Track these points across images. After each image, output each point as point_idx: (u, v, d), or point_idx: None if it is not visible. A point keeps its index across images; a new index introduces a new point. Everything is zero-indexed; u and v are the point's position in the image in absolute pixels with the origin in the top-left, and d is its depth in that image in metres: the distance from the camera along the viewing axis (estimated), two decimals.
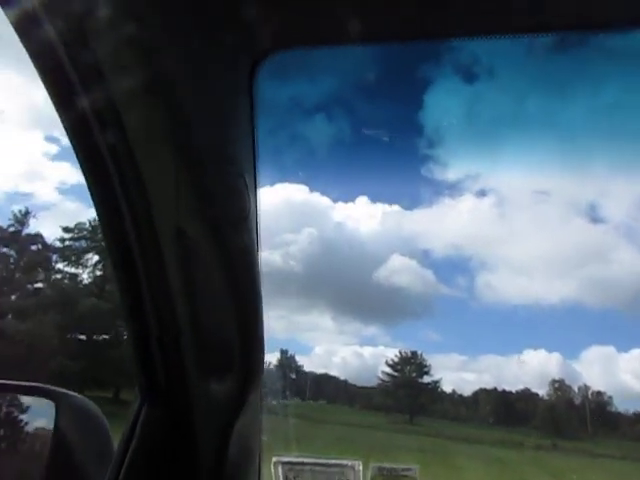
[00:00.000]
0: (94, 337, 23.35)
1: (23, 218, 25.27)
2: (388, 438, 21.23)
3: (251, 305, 1.01)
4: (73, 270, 24.69)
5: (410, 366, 30.86)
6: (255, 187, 1.04)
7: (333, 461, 1.23)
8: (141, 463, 0.93)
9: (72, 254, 24.56)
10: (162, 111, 0.83)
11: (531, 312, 33.29)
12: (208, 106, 0.90)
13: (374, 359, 36.40)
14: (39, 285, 24.43)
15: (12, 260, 24.69)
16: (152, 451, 0.94)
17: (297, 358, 44.80)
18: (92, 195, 0.86)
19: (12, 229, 24.97)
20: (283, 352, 44.65)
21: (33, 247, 25.26)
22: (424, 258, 32.45)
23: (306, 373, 46.16)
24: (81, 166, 0.84)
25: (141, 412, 0.96)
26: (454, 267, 37.38)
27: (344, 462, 1.20)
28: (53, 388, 1.25)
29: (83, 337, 23.12)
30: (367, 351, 39.01)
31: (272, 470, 1.20)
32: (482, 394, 31.06)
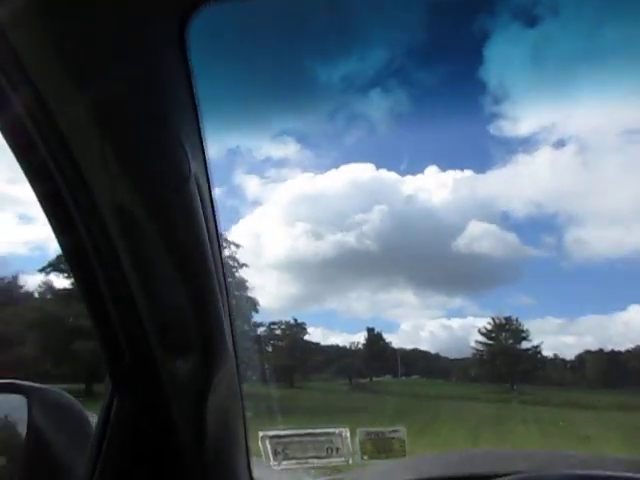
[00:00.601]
0: None
1: None
2: (493, 409, 19.94)
3: (203, 275, 0.95)
4: None
5: (505, 333, 29.38)
6: (202, 149, 0.97)
7: (319, 430, 1.23)
8: (118, 450, 0.94)
9: None
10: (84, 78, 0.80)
11: (630, 265, 30.47)
12: (135, 65, 0.84)
13: (464, 330, 35.54)
14: None
15: None
16: (128, 437, 0.95)
17: (385, 336, 45.07)
18: (28, 179, 0.85)
19: None
20: (370, 330, 45.07)
21: None
22: (504, 221, 30.81)
23: (395, 350, 46.52)
24: (8, 144, 0.82)
25: (113, 399, 0.98)
26: (539, 226, 35.13)
27: (331, 430, 1.21)
28: (23, 383, 1.22)
29: None
30: (455, 323, 38.28)
31: (260, 446, 1.21)
32: (587, 357, 29.05)
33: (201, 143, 0.98)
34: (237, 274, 26.48)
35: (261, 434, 1.22)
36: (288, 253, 39.20)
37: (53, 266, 25.77)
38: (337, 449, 1.23)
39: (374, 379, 44.93)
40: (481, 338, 29.36)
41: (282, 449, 1.22)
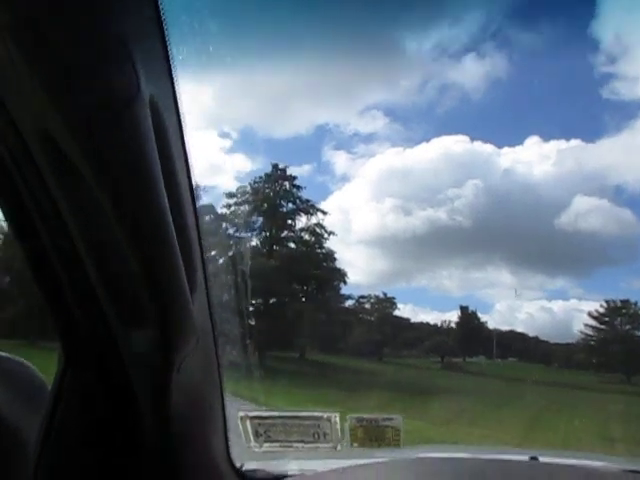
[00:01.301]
0: (267, 299, 23.73)
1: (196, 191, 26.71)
2: (608, 401, 17.82)
3: (159, 236, 0.81)
4: (242, 234, 25.54)
5: (621, 317, 26.53)
6: (170, 75, 0.87)
7: (306, 413, 1.17)
8: (71, 420, 0.91)
9: (238, 218, 25.11)
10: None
11: None
12: None
13: (566, 314, 33.04)
14: (213, 253, 25.38)
15: None
16: (81, 407, 0.91)
17: (479, 316, 43.46)
18: None
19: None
20: (463, 309, 43.56)
21: (207, 217, 26.56)
22: (617, 195, 27.49)
23: (490, 330, 44.84)
24: None
25: (66, 375, 0.95)
26: None
27: (319, 414, 1.16)
28: None
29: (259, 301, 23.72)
30: (557, 305, 35.88)
31: (240, 425, 1.18)
32: None
33: (169, 69, 0.86)
34: (325, 247, 26.25)
35: (241, 414, 1.16)
36: (377, 229, 38.90)
37: None
38: (325, 434, 1.15)
39: (467, 359, 43.77)
40: (591, 322, 26.70)
41: (264, 431, 1.16)
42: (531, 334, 42.14)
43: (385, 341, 38.44)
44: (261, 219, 24.87)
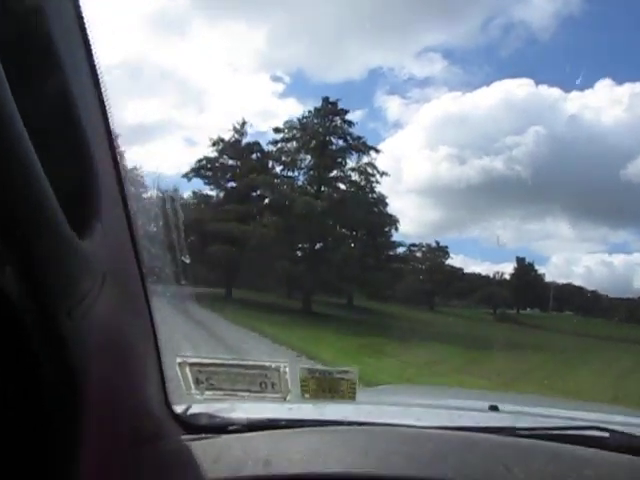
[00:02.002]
0: (312, 240, 22.88)
1: (241, 128, 25.87)
2: None
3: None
4: (289, 173, 24.49)
5: None
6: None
7: (252, 362, 1.10)
8: None
9: (285, 155, 23.90)
10: None
11: None
12: None
13: (628, 268, 31.10)
14: (259, 192, 24.80)
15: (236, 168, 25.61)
16: None
17: (534, 267, 41.61)
18: None
19: (233, 139, 25.82)
20: (518, 260, 41.62)
21: (253, 155, 25.83)
22: None
23: (545, 283, 43.01)
24: None
25: None
26: None
27: (266, 363, 1.08)
28: None
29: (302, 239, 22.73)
30: (618, 259, 33.93)
31: (178, 372, 1.06)
32: None
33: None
34: (376, 192, 24.73)
35: (179, 360, 1.05)
36: (430, 178, 37.34)
37: (195, 171, 25.83)
38: (273, 384, 1.07)
39: (521, 311, 42.21)
40: None
41: (205, 378, 1.07)
42: (590, 288, 40.39)
43: (436, 290, 37.52)
44: (309, 157, 23.44)
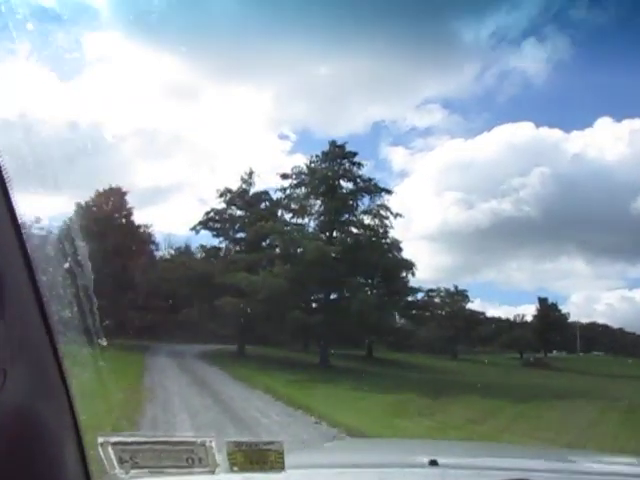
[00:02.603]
0: (326, 288, 21.65)
1: (249, 178, 25.40)
2: None
3: None
4: (299, 220, 23.52)
5: None
6: None
7: (177, 439, 1.06)
8: None
9: (294, 202, 23.09)
10: None
11: None
12: None
13: None
14: (268, 240, 23.78)
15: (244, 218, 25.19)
16: None
17: (557, 308, 40.07)
18: None
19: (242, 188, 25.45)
20: (539, 301, 39.98)
21: (261, 205, 25.23)
22: None
23: (569, 324, 41.24)
24: None
25: None
26: None
27: (192, 439, 1.05)
28: None
29: (316, 288, 21.55)
30: (639, 294, 32.56)
31: (101, 453, 1.02)
32: None
33: None
34: (389, 237, 23.82)
35: (100, 440, 1.02)
36: (439, 224, 37.40)
37: (203, 224, 25.11)
38: (200, 459, 1.05)
39: (548, 354, 40.19)
40: None
41: (129, 457, 1.03)
42: (615, 326, 38.71)
43: (459, 337, 35.84)
44: (318, 202, 22.59)
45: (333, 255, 19.71)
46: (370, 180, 22.09)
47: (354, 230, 22.12)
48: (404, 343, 30.58)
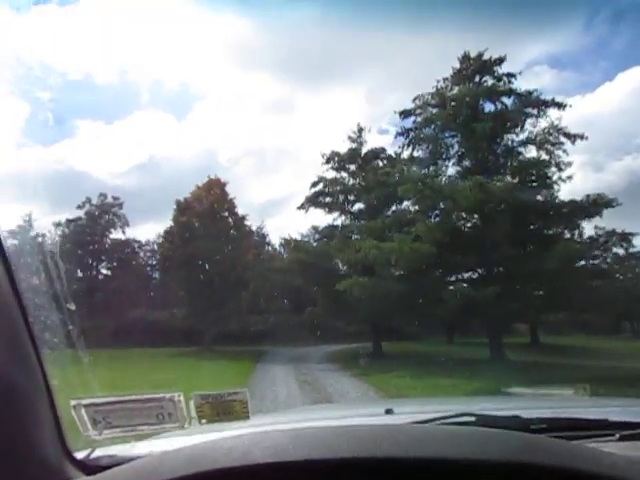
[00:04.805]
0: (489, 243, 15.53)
1: (358, 137, 20.94)
2: None
3: None
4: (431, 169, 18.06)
5: None
6: None
7: (147, 396, 1.12)
8: None
9: (424, 142, 17.73)
10: None
11: None
12: None
13: None
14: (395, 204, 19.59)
15: None
16: None
17: None
18: None
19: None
20: None
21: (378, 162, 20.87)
22: None
23: None
24: None
25: None
26: None
27: (159, 395, 1.13)
28: None
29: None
30: None
31: (74, 415, 1.09)
32: None
33: None
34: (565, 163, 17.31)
35: (73, 403, 1.08)
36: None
37: (310, 201, 20.84)
38: (169, 414, 1.12)
39: None
40: None
41: (102, 417, 1.10)
42: None
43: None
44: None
45: (494, 204, 13.99)
46: (530, 93, 15.88)
47: (516, 165, 15.89)
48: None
